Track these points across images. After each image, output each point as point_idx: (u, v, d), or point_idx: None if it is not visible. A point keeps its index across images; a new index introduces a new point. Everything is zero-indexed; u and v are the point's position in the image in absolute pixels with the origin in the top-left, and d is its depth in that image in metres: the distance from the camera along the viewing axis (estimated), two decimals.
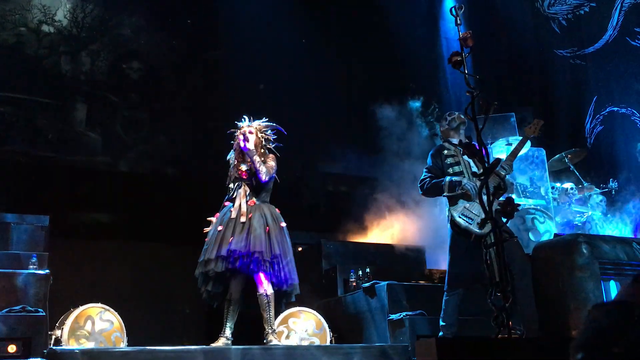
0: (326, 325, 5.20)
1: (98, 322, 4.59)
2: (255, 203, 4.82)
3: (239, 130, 5.01)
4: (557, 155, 7.56)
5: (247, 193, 4.84)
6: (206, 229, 4.90)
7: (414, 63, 9.47)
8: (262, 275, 4.64)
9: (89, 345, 4.45)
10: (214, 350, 4.25)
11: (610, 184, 7.37)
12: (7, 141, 7.24)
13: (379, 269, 6.10)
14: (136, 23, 8.33)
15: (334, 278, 6.17)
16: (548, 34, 10.03)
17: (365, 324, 5.48)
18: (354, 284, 5.87)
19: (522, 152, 7.23)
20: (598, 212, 7.22)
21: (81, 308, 4.60)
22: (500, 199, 4.07)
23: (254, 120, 5.07)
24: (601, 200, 7.35)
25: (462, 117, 4.68)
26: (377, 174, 8.15)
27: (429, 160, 4.74)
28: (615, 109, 9.48)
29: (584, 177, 7.57)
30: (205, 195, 5.99)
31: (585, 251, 4.23)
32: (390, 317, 5.11)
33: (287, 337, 5.10)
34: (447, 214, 4.56)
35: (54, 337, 4.44)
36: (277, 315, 4.97)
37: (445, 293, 4.53)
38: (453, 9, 3.61)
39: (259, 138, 4.99)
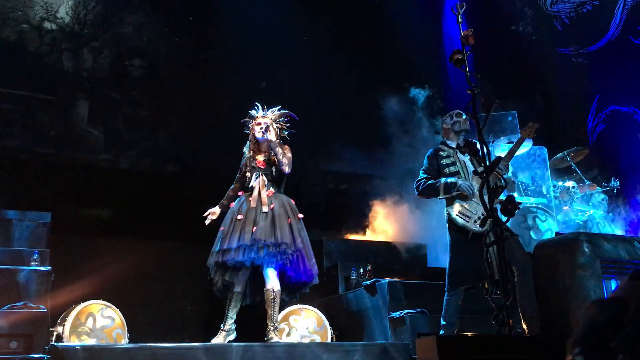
0: (327, 323, 5.21)
1: (99, 319, 4.60)
2: (273, 193, 4.81)
3: (253, 120, 4.98)
4: (559, 154, 7.55)
5: (266, 183, 4.82)
6: (209, 220, 4.84)
7: (416, 61, 9.46)
8: (271, 270, 4.64)
9: (90, 341, 4.46)
10: (215, 347, 4.25)
11: (612, 182, 7.36)
12: (9, 138, 7.26)
13: (380, 266, 6.10)
14: (138, 20, 8.33)
15: (335, 276, 6.17)
16: (550, 32, 10.01)
17: (366, 322, 5.48)
18: (355, 281, 5.88)
19: (522, 151, 7.23)
20: (600, 210, 7.22)
21: (82, 305, 4.61)
22: (500, 197, 4.07)
23: (267, 109, 5.05)
24: (603, 199, 7.35)
25: (467, 123, 4.66)
26: (378, 171, 8.15)
27: (425, 161, 4.76)
28: (618, 107, 9.46)
29: (585, 176, 7.55)
30: (206, 193, 5.98)
31: (586, 250, 4.22)
32: (391, 315, 5.11)
33: (288, 334, 5.11)
34: (445, 213, 4.58)
35: (55, 333, 4.45)
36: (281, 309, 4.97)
37: (446, 293, 4.54)
38: (454, 7, 3.61)
39: (275, 128, 4.99)
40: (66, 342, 4.32)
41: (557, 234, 5.11)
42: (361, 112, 8.96)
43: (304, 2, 8.69)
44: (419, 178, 4.71)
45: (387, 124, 8.49)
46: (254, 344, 4.31)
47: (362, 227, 7.83)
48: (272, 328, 4.64)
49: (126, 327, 4.69)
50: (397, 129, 8.31)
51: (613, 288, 4.21)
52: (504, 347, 2.64)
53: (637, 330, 1.31)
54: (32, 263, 4.65)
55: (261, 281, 4.72)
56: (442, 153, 4.69)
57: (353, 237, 7.60)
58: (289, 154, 4.91)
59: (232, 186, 5.06)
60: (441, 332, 4.51)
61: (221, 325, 4.62)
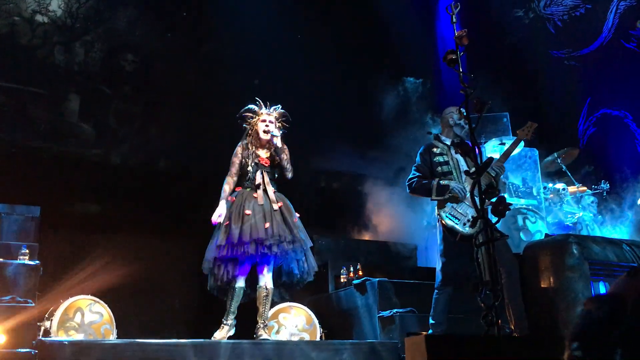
0: (316, 321, 5.21)
1: (88, 314, 4.58)
2: (275, 192, 4.83)
3: (256, 116, 4.94)
4: (550, 157, 7.58)
5: (269, 181, 4.82)
6: (217, 218, 4.72)
7: (409, 60, 9.47)
8: (267, 268, 4.64)
9: (78, 337, 4.44)
10: (204, 344, 4.24)
11: (602, 185, 7.40)
12: None
13: (370, 265, 6.11)
14: (131, 15, 8.28)
15: (325, 274, 6.18)
16: (543, 35, 10.05)
17: (355, 321, 5.49)
18: (345, 280, 5.88)
19: (514, 152, 7.25)
20: (589, 213, 7.26)
21: (71, 300, 4.59)
22: (492, 200, 4.08)
23: (270, 107, 5.01)
24: (592, 202, 7.39)
25: (466, 126, 4.61)
26: (370, 170, 8.16)
27: (417, 158, 4.73)
28: (609, 111, 9.51)
29: (575, 178, 7.60)
30: (197, 189, 5.98)
31: (575, 252, 4.25)
32: (381, 314, 5.12)
33: (277, 332, 5.11)
34: (436, 213, 4.59)
35: (43, 328, 4.42)
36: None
37: (435, 291, 4.55)
38: (448, 8, 3.61)
39: (278, 128, 4.98)
40: (54, 337, 4.30)
41: (546, 235, 5.13)
42: (353, 111, 8.97)
43: (298, 1, 8.68)
44: (410, 176, 4.69)
45: (380, 123, 8.50)
46: (242, 341, 4.31)
47: (353, 226, 7.84)
48: (261, 325, 4.64)
49: (115, 323, 4.68)
50: (390, 129, 8.33)
51: (601, 290, 4.23)
52: (493, 347, 2.65)
53: (635, 325, 1.32)
54: (21, 257, 4.62)
55: (254, 278, 4.72)
56: (435, 150, 4.66)
57: (343, 236, 7.61)
58: (287, 154, 4.93)
59: (226, 179, 4.89)
60: (430, 330, 4.53)
61: (223, 320, 4.60)
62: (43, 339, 3.98)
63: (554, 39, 9.99)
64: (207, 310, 4.69)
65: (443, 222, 4.46)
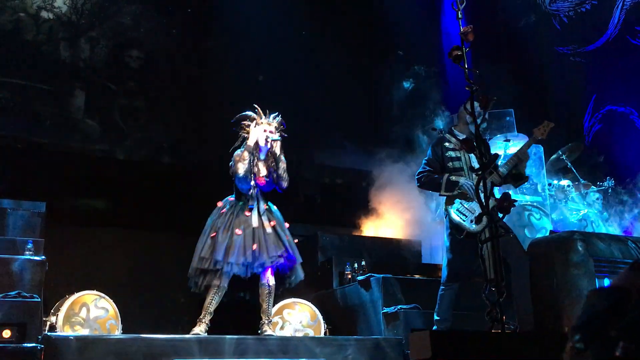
0: (321, 317, 5.22)
1: (93, 309, 4.59)
2: (266, 207, 4.81)
3: (256, 124, 4.82)
4: (555, 155, 7.57)
5: (262, 198, 4.80)
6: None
7: (415, 56, 9.46)
8: (268, 267, 4.66)
9: (84, 332, 4.46)
10: (208, 339, 4.26)
11: (607, 182, 7.38)
12: (5, 127, 7.22)
13: (375, 262, 6.11)
14: (136, 11, 8.29)
15: (330, 270, 6.18)
16: (549, 31, 10.01)
17: (359, 317, 5.49)
18: (349, 276, 5.88)
19: (517, 148, 7.22)
20: (594, 209, 7.24)
21: (76, 295, 4.60)
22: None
23: (269, 115, 4.89)
24: (598, 198, 7.37)
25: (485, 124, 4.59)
26: (374, 166, 8.16)
27: (429, 151, 4.69)
28: (614, 107, 9.48)
29: (581, 175, 7.58)
30: (201, 184, 5.99)
31: (580, 248, 4.24)
32: (385, 310, 5.13)
33: (282, 328, 5.12)
34: (443, 208, 4.58)
35: (48, 323, 4.44)
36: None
37: (441, 287, 4.55)
38: (454, 3, 3.60)
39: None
40: (59, 332, 4.32)
41: (551, 232, 5.12)
42: (358, 106, 8.97)
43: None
44: (420, 169, 4.66)
45: (384, 119, 8.49)
46: (247, 337, 4.32)
47: (357, 222, 7.84)
48: (266, 321, 4.65)
49: (120, 318, 4.69)
50: (394, 124, 8.32)
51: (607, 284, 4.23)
52: (497, 343, 2.65)
53: (637, 318, 1.32)
54: (26, 252, 4.63)
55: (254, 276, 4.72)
56: (447, 144, 4.60)
57: (348, 232, 7.61)
58: (285, 165, 4.83)
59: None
60: (434, 327, 4.53)
61: (201, 317, 4.56)
62: (49, 334, 3.99)
63: (560, 35, 9.95)
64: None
65: (450, 218, 4.45)
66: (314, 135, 8.50)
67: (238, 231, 4.59)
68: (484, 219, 4.24)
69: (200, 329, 4.48)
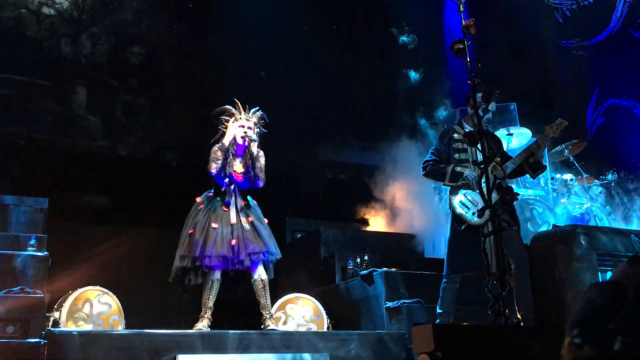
0: (323, 312, 5.22)
1: (96, 305, 4.60)
2: (244, 203, 4.76)
3: (234, 120, 4.79)
4: (558, 147, 7.54)
5: (240, 194, 4.75)
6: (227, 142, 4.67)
7: (417, 51, 9.44)
8: (255, 265, 4.65)
9: (87, 327, 4.46)
10: (211, 334, 4.26)
11: (610, 176, 7.36)
12: (7, 123, 7.23)
13: (377, 256, 6.11)
14: (137, 7, 8.28)
15: (332, 265, 6.18)
16: (551, 24, 9.97)
17: (362, 311, 5.49)
18: (352, 271, 5.88)
19: (520, 142, 7.21)
20: (597, 203, 7.22)
21: (80, 290, 4.61)
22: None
23: (249, 110, 4.85)
24: (600, 192, 7.35)
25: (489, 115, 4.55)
26: (376, 161, 8.15)
27: (436, 141, 4.69)
28: (617, 101, 9.45)
29: (583, 169, 7.55)
30: (203, 181, 5.96)
31: (583, 242, 4.23)
32: (388, 305, 5.13)
33: (285, 323, 5.12)
34: (448, 200, 4.58)
35: (52, 318, 4.45)
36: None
37: (443, 280, 4.55)
38: None
39: (256, 134, 4.83)
40: (63, 328, 4.32)
41: (554, 226, 5.11)
42: (360, 102, 8.95)
43: None
44: (427, 158, 4.65)
45: (387, 114, 8.48)
46: (250, 332, 4.32)
47: (360, 217, 7.83)
48: (267, 316, 4.65)
49: (123, 314, 4.70)
50: (397, 120, 8.30)
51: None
52: (500, 336, 2.65)
53: (635, 312, 1.32)
54: (29, 248, 4.65)
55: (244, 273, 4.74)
56: (455, 135, 4.58)
57: (350, 227, 7.60)
58: (263, 160, 4.76)
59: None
60: (437, 320, 4.53)
61: (202, 313, 4.57)
62: (52, 329, 4.00)
63: (562, 28, 9.92)
64: (215, 302, 4.69)
65: (453, 209, 4.45)
66: (316, 130, 8.49)
67: (214, 225, 4.58)
68: (487, 212, 4.25)
69: (203, 325, 4.48)
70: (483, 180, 3.28)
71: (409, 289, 5.24)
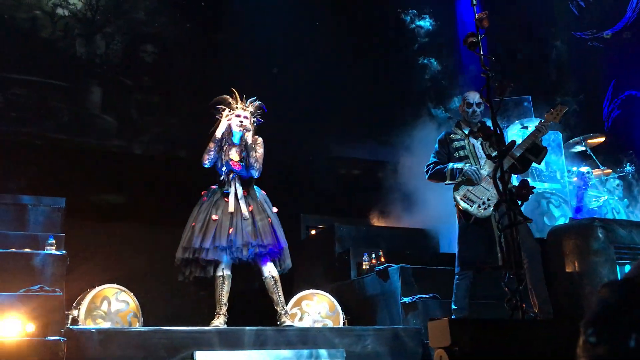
0: (339, 308, 5.22)
1: (114, 303, 4.64)
2: (247, 193, 4.75)
3: (231, 110, 4.81)
4: (576, 138, 7.48)
5: (240, 182, 4.75)
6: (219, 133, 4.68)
7: (430, 46, 9.40)
8: (263, 259, 4.66)
9: (105, 325, 4.51)
10: (228, 331, 4.28)
11: (627, 168, 7.28)
12: (24, 124, 7.31)
13: (392, 252, 6.10)
14: (150, 6, 8.33)
15: (347, 261, 6.18)
16: (566, 16, 9.87)
17: (378, 307, 5.49)
18: (367, 267, 5.88)
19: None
20: (615, 196, 7.15)
21: (98, 288, 4.65)
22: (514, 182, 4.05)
23: (246, 100, 4.88)
24: (618, 185, 7.27)
25: (469, 110, 4.58)
26: (389, 157, 8.13)
27: (436, 144, 4.75)
28: (634, 92, 9.33)
29: (600, 161, 7.48)
30: (218, 178, 6.00)
31: (600, 235, 4.19)
32: (403, 300, 5.12)
33: (301, 319, 5.13)
34: (453, 197, 4.58)
35: (71, 317, 4.50)
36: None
37: (456, 276, 4.54)
38: None
39: (252, 123, 4.86)
40: (82, 326, 4.37)
41: (571, 219, 5.07)
42: (373, 97, 8.92)
43: None
44: (429, 162, 4.72)
45: (399, 109, 8.45)
46: (266, 328, 4.34)
47: (374, 212, 7.82)
48: (282, 312, 4.66)
49: (140, 311, 4.74)
50: (410, 115, 8.27)
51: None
52: (517, 331, 2.64)
53: None
54: (48, 247, 4.69)
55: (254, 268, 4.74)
56: (453, 136, 4.68)
57: (365, 222, 7.60)
58: (261, 150, 4.77)
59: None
60: (452, 316, 4.52)
61: (217, 310, 4.59)
62: (71, 327, 4.04)
63: (577, 20, 9.81)
64: (230, 298, 4.72)
65: (458, 205, 4.45)
66: (329, 126, 8.49)
67: (214, 217, 4.61)
68: (491, 204, 4.25)
69: (219, 321, 4.51)
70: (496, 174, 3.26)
71: (424, 284, 5.23)
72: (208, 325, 4.47)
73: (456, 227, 4.58)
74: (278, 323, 4.63)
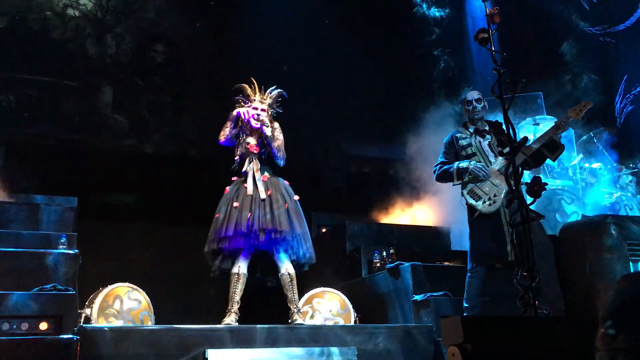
0: (350, 306, 5.21)
1: (126, 301, 4.66)
2: (267, 178, 4.75)
3: (249, 101, 4.83)
4: (585, 136, 7.43)
5: (259, 168, 4.76)
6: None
7: (441, 43, 9.36)
8: (282, 254, 4.65)
9: (118, 323, 4.53)
10: (240, 329, 4.29)
11: None
12: (36, 124, 7.37)
13: (403, 249, 6.08)
14: (159, 6, 8.36)
15: (358, 259, 6.17)
16: (577, 11, 9.80)
17: (389, 305, 5.48)
18: (378, 264, 5.87)
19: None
20: (627, 192, 7.09)
21: (110, 287, 4.67)
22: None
23: (264, 91, 4.90)
24: (631, 181, 7.21)
25: (479, 111, 4.57)
26: (401, 154, 8.11)
27: (443, 146, 4.75)
28: None
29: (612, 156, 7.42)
30: (229, 177, 6.02)
31: (613, 232, 4.15)
32: (415, 298, 5.11)
33: (312, 317, 5.13)
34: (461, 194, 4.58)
35: (83, 315, 4.52)
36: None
37: (468, 274, 4.53)
38: None
39: (270, 114, 4.87)
40: (94, 324, 4.39)
41: (583, 216, 5.03)
42: (384, 95, 8.91)
43: None
44: (436, 163, 4.73)
45: (410, 107, 8.42)
46: (277, 326, 4.35)
47: (385, 210, 7.80)
48: (295, 310, 4.66)
49: (152, 309, 4.75)
50: (420, 112, 8.24)
51: None
52: (530, 328, 2.62)
53: None
54: (60, 246, 4.72)
55: (272, 265, 4.73)
56: (459, 136, 4.70)
57: (376, 220, 7.58)
58: (281, 137, 4.79)
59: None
60: (464, 314, 4.50)
61: (229, 307, 4.58)
62: (84, 325, 4.07)
63: (589, 15, 9.73)
64: (242, 296, 4.72)
65: (466, 201, 4.45)
66: (340, 123, 8.48)
67: (235, 204, 4.62)
68: (497, 200, 4.24)
69: (230, 319, 4.51)
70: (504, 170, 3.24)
71: (435, 282, 5.21)
72: (220, 323, 4.48)
73: (468, 225, 4.57)
74: (290, 321, 4.63)
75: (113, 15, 8.09)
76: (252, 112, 4.78)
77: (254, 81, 4.90)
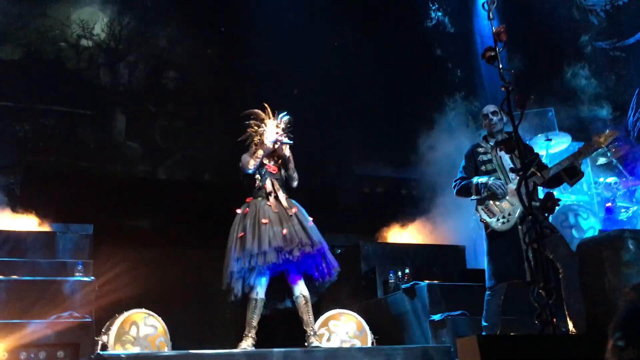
0: (367, 327, 5.17)
1: (143, 327, 4.66)
2: (286, 197, 4.83)
3: (264, 125, 4.93)
4: (600, 150, 7.36)
5: (279, 187, 4.82)
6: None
7: (450, 63, 9.40)
8: (296, 277, 4.66)
9: (135, 350, 4.53)
10: (256, 353, 4.27)
11: None
12: (51, 152, 7.48)
13: (418, 269, 6.04)
14: (171, 33, 8.50)
15: (373, 280, 6.14)
16: (586, 26, 9.81)
17: (406, 325, 5.43)
18: (394, 285, 5.83)
19: (561, 147, 7.07)
20: None
21: (126, 314, 4.68)
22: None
23: (278, 114, 4.98)
24: None
25: (496, 123, 4.56)
26: (414, 174, 8.10)
27: (463, 160, 4.71)
28: None
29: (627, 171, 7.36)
30: (243, 200, 6.05)
31: (631, 247, 4.12)
32: (432, 318, 5.06)
33: (328, 339, 5.09)
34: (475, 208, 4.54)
35: (100, 342, 4.53)
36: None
37: (487, 292, 4.47)
38: (485, 4, 3.56)
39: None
40: (111, 351, 4.40)
41: (600, 231, 4.98)
42: (396, 115, 8.93)
43: (335, 10, 8.71)
44: (456, 177, 4.67)
45: (423, 126, 8.43)
46: (294, 350, 4.32)
47: (399, 230, 7.78)
48: (311, 333, 4.64)
49: (169, 335, 4.75)
50: (433, 131, 8.25)
51: None
52: (549, 346, 2.59)
53: None
54: (77, 274, 4.76)
55: (283, 289, 4.72)
56: (479, 149, 4.63)
57: (390, 240, 7.55)
58: (292, 160, 4.91)
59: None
60: (483, 333, 4.44)
61: (246, 332, 4.56)
62: (101, 352, 4.07)
63: (598, 30, 9.74)
64: (258, 321, 4.71)
65: (480, 217, 4.41)
66: (352, 144, 8.50)
67: (264, 220, 4.62)
68: (511, 219, 4.19)
69: (247, 344, 4.50)
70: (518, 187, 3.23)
71: (452, 301, 5.16)
72: (236, 347, 4.47)
73: (484, 243, 4.52)
74: (306, 344, 4.60)
75: (125, 44, 8.24)
76: (274, 135, 4.86)
77: (267, 106, 4.97)
